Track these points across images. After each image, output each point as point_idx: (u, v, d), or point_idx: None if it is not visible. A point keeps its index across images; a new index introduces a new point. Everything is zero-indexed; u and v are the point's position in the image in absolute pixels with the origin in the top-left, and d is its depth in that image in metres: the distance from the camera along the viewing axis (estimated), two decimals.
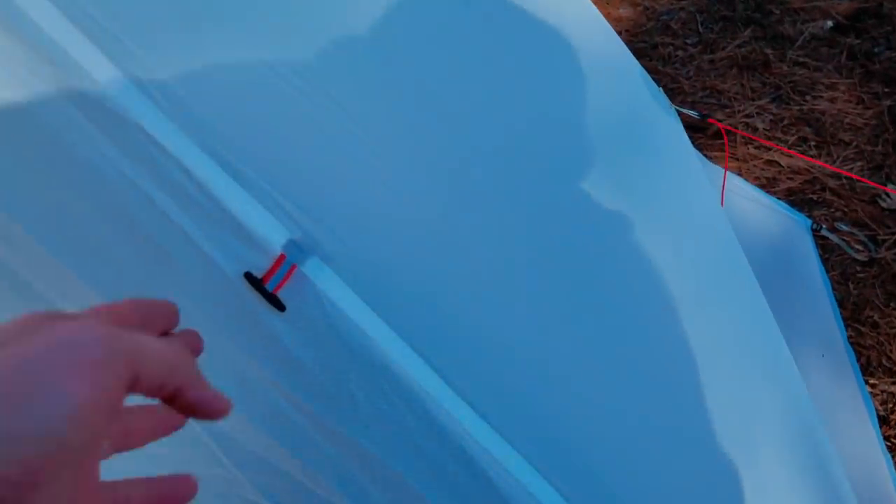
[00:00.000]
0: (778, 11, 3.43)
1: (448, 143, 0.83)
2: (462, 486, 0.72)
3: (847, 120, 2.86)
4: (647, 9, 3.48)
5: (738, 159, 2.70)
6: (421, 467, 0.73)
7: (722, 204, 1.71)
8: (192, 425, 0.70)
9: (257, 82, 0.71)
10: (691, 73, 3.09)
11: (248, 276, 0.65)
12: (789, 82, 3.05)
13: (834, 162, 2.72)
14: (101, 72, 0.63)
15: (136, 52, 0.65)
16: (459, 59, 0.92)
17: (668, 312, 1.11)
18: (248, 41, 0.72)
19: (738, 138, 2.74)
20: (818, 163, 2.61)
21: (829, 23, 3.34)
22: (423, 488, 0.74)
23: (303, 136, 0.71)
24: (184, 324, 0.48)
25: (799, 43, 3.23)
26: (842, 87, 3.01)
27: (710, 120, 1.48)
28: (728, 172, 2.19)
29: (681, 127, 1.37)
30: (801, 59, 3.15)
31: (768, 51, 3.19)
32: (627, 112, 1.25)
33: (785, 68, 3.11)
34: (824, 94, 2.99)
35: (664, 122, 1.33)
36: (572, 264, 0.95)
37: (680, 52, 3.21)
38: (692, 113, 1.43)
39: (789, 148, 2.78)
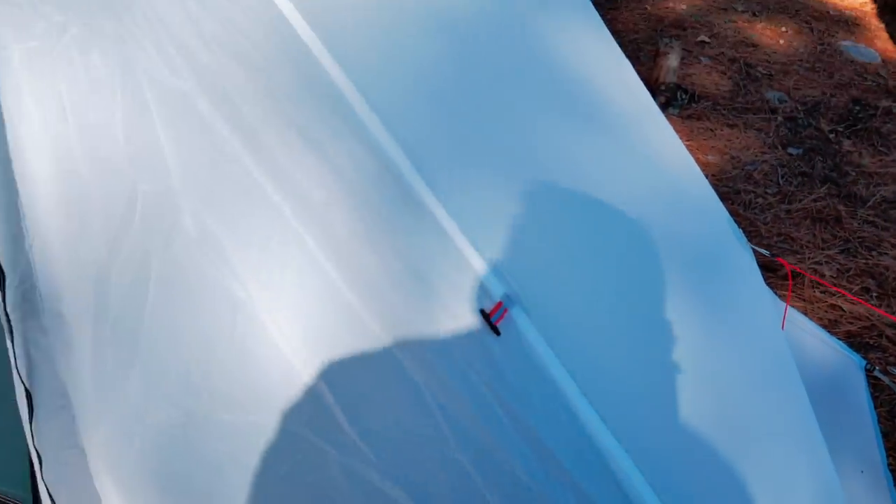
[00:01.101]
0: (854, 173, 3.86)
1: (603, 244, 1.28)
2: None
3: None
4: (734, 158, 3.94)
5: (804, 300, 3.08)
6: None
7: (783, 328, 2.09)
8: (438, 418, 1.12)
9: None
10: (768, 220, 3.51)
11: (482, 312, 1.09)
12: (858, 237, 3.43)
13: (893, 312, 3.07)
14: None
15: None
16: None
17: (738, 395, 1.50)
18: None
19: (807, 282, 3.12)
20: (879, 311, 2.96)
21: None
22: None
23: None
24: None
25: (870, 203, 3.63)
26: None
27: (778, 259, 1.89)
28: (792, 309, 2.58)
29: (755, 262, 1.79)
30: (870, 219, 3.55)
31: (841, 207, 3.60)
32: (714, 243, 1.68)
33: (855, 225, 3.51)
34: (889, 252, 3.37)
35: (741, 256, 1.76)
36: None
37: (760, 200, 3.64)
38: (764, 252, 1.84)
39: (853, 295, 3.15)
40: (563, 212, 1.29)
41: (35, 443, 1.43)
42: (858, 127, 4.24)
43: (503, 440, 1.12)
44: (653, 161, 1.65)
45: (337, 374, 1.18)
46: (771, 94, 4.53)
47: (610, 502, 1.15)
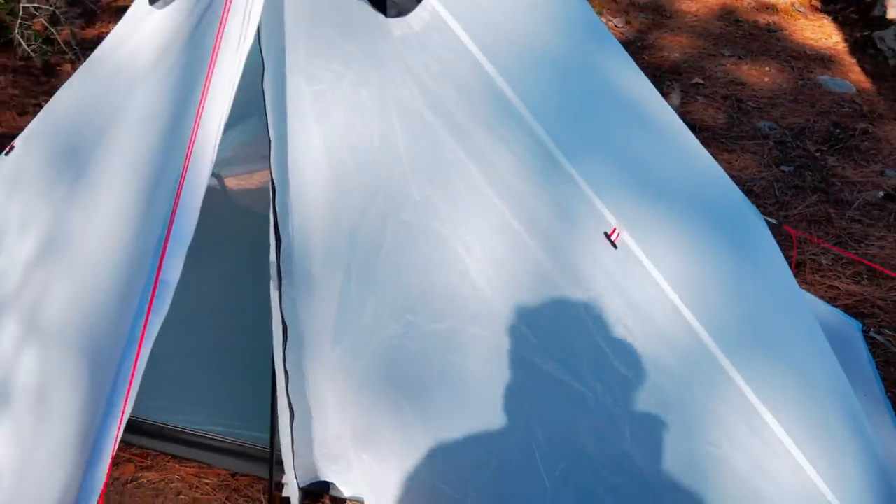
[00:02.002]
0: (839, 183, 4.59)
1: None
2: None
3: (893, 262, 3.91)
4: (735, 177, 4.66)
5: (806, 283, 3.76)
6: None
7: None
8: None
9: None
10: (770, 225, 4.22)
11: (605, 234, 1.78)
12: (847, 233, 4.14)
13: (882, 290, 3.75)
14: None
15: None
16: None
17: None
18: None
19: (808, 267, 3.81)
20: (870, 288, 3.64)
21: (881, 193, 4.47)
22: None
23: None
24: None
25: (855, 206, 4.35)
26: (889, 239, 4.08)
27: (785, 227, 2.59)
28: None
29: (766, 226, 2.49)
30: (857, 218, 4.26)
31: (831, 210, 4.32)
32: (739, 210, 2.38)
33: (844, 224, 4.22)
34: (875, 244, 4.06)
35: (758, 220, 2.45)
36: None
37: (761, 209, 4.34)
38: (773, 220, 2.55)
39: (846, 279, 3.83)
40: (644, 178, 1.99)
41: (284, 364, 2.09)
42: (840, 146, 4.99)
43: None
44: (691, 155, 2.36)
45: (510, 287, 1.86)
46: (762, 124, 5.30)
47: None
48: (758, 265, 2.28)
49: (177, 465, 2.67)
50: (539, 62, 1.99)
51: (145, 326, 1.47)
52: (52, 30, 5.10)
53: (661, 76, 5.83)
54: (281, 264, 1.99)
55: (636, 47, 6.26)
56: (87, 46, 5.48)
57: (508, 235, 1.81)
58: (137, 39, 1.90)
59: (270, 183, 1.87)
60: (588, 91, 2.16)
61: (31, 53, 4.88)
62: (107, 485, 1.52)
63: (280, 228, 1.94)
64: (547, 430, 1.97)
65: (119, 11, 6.13)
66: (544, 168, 1.79)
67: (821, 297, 3.65)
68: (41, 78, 5.16)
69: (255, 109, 1.94)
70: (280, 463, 2.35)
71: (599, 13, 6.51)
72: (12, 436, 1.79)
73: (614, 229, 1.78)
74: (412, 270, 1.88)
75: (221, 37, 1.66)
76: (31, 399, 1.78)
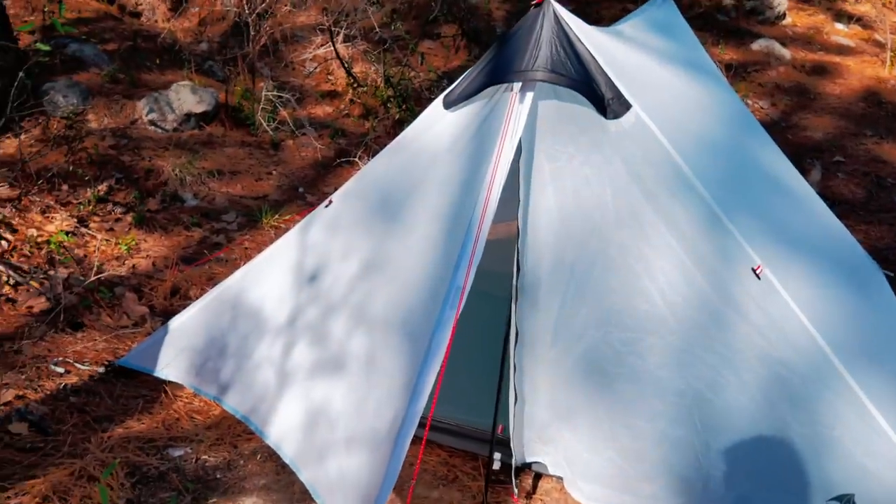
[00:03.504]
0: None
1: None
2: None
3: None
4: (871, 246, 5.32)
5: None
6: None
7: None
8: None
9: None
10: None
11: (752, 269, 2.62)
12: None
13: None
14: None
15: None
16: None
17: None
18: None
19: None
20: None
21: None
22: None
23: None
24: None
25: None
26: None
27: None
28: None
29: (884, 277, 3.25)
30: None
31: None
32: (861, 263, 3.15)
33: None
34: None
35: (877, 272, 3.22)
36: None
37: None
38: (890, 273, 3.31)
39: None
40: (782, 231, 2.83)
41: (514, 361, 2.99)
42: None
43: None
44: (821, 218, 3.18)
45: (682, 307, 2.71)
46: None
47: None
48: (873, 302, 3.05)
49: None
50: (707, 147, 2.90)
51: (458, 312, 2.44)
52: (279, 111, 6.39)
53: (804, 154, 6.54)
54: (519, 286, 2.92)
55: (781, 127, 7.01)
56: (301, 125, 6.77)
57: (682, 269, 2.69)
58: (435, 132, 2.92)
59: (517, 229, 2.82)
60: (740, 167, 3.04)
61: (270, 132, 6.16)
62: (431, 417, 2.44)
63: (521, 260, 2.88)
64: (703, 413, 2.78)
65: (323, 96, 7.45)
66: (709, 221, 2.67)
67: None
68: (270, 151, 6.44)
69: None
70: (498, 443, 3.23)
71: (746, 97, 7.32)
72: (349, 388, 2.77)
73: (759, 266, 2.63)
74: (612, 293, 2.78)
75: (507, 128, 2.65)
76: (362, 364, 2.76)
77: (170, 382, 3.64)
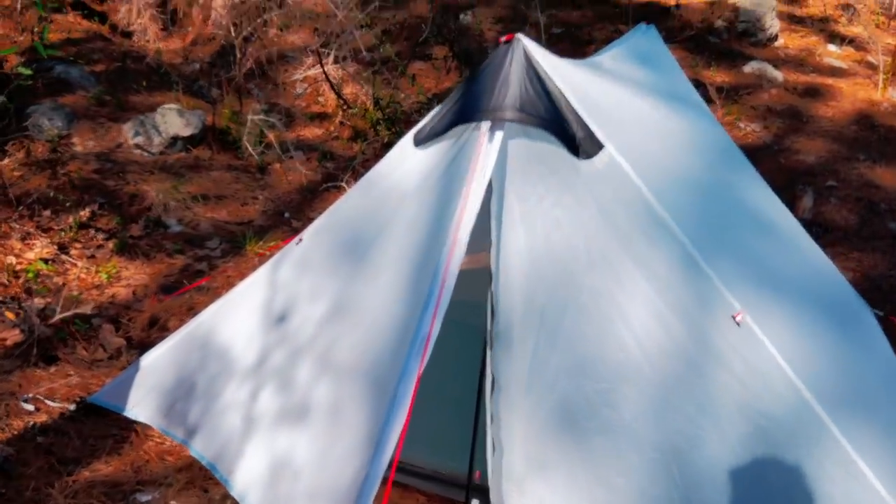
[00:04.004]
0: None
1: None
2: None
3: None
4: (864, 275, 5.19)
5: None
6: None
7: None
8: None
9: None
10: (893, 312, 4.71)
11: (732, 316, 2.50)
12: None
13: None
14: None
15: None
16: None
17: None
18: None
19: None
20: None
21: None
22: None
23: None
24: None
25: None
26: None
27: (891, 318, 3.20)
28: None
29: (873, 316, 3.13)
30: None
31: None
32: (850, 300, 3.03)
33: None
34: None
35: (866, 311, 3.10)
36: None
37: (887, 306, 4.85)
38: (879, 312, 3.18)
39: None
40: (764, 273, 2.71)
41: (491, 409, 2.86)
42: None
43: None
44: (807, 256, 3.06)
45: (658, 356, 2.59)
46: (893, 225, 5.79)
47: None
48: (861, 346, 2.93)
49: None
50: (686, 185, 2.79)
51: (422, 363, 2.32)
52: (266, 135, 6.28)
53: (796, 178, 6.42)
54: (494, 331, 2.80)
55: (773, 151, 6.90)
56: (289, 147, 6.66)
57: (658, 316, 2.57)
58: (404, 170, 2.80)
59: (490, 273, 2.70)
60: (721, 205, 2.93)
61: (256, 156, 6.06)
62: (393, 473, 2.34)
63: (494, 304, 2.75)
64: (682, 468, 2.65)
65: (313, 117, 7.35)
66: (686, 265, 2.55)
67: None
68: (256, 175, 6.33)
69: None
70: (477, 489, 3.10)
71: (738, 119, 7.21)
72: (313, 438, 2.65)
73: (739, 312, 2.50)
74: (584, 340, 2.65)
75: (475, 169, 2.54)
76: (326, 413, 2.64)
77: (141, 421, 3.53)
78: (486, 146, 2.55)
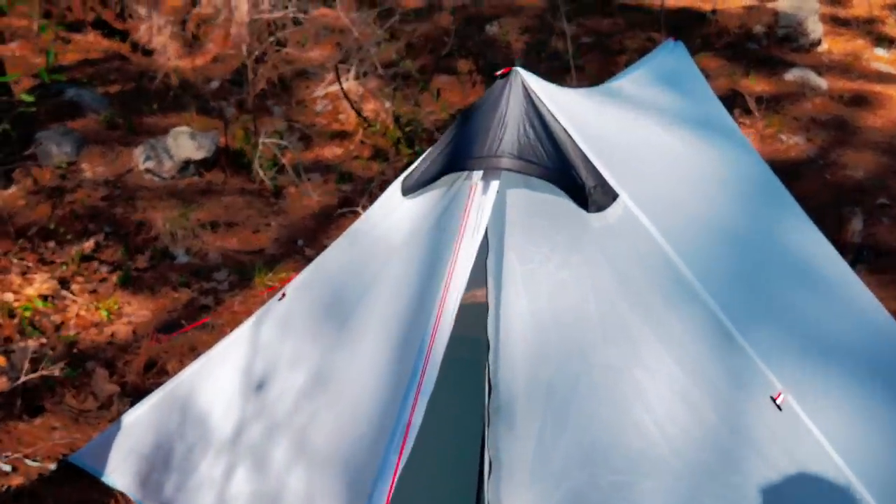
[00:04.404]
0: None
1: None
2: None
3: None
4: None
5: None
6: None
7: None
8: None
9: None
10: None
11: (771, 397, 2.09)
12: None
13: None
14: None
15: None
16: None
17: None
18: None
19: None
20: None
21: None
22: None
23: None
24: None
25: None
26: None
27: None
28: None
29: None
30: None
31: None
32: None
33: None
34: None
35: None
36: None
37: None
38: None
39: None
40: (810, 339, 2.28)
41: (489, 495, 2.47)
42: None
43: None
44: (859, 309, 2.62)
45: (685, 445, 2.18)
46: None
47: None
48: None
49: None
50: (716, 235, 2.37)
51: (398, 463, 1.95)
52: (280, 157, 5.97)
53: (843, 196, 5.92)
54: (492, 407, 2.42)
55: (818, 165, 6.39)
56: (308, 169, 6.35)
57: (684, 397, 2.16)
58: (392, 221, 2.44)
59: (486, 340, 2.32)
60: (759, 255, 2.50)
61: (268, 181, 5.74)
62: None
63: (491, 377, 2.37)
64: None
65: (333, 136, 7.02)
66: (716, 336, 2.14)
67: None
68: (271, 199, 6.02)
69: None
70: None
71: (780, 131, 6.72)
72: None
73: (780, 393, 2.09)
74: (599, 425, 2.25)
75: (465, 226, 2.16)
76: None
77: None
78: (478, 200, 2.16)
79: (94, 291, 4.86)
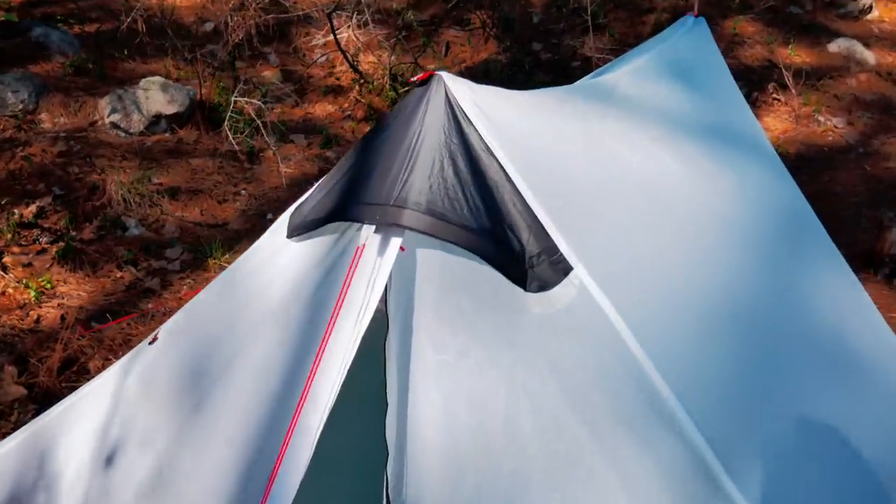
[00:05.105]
0: None
1: None
2: None
3: None
4: None
5: None
6: None
7: None
8: None
9: None
10: None
11: None
12: None
13: None
14: None
15: None
16: None
17: None
18: None
19: None
20: None
21: None
22: None
23: None
24: None
25: None
26: None
27: None
28: None
29: None
30: None
31: None
32: None
33: None
34: None
35: None
36: None
37: None
38: None
39: None
40: (834, 481, 1.58)
41: None
42: None
43: None
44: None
45: None
46: None
47: None
48: None
49: None
50: (711, 322, 1.64)
51: None
52: (258, 120, 5.25)
53: (882, 193, 5.10)
54: None
55: (857, 154, 5.55)
56: (294, 129, 5.65)
57: None
58: (276, 269, 1.74)
59: (384, 447, 1.64)
60: (772, 343, 1.77)
61: (236, 144, 5.04)
62: None
63: (391, 494, 1.69)
64: None
65: (327, 91, 6.25)
66: (696, 482, 1.44)
67: None
68: (245, 164, 5.32)
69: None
70: None
71: (817, 111, 5.86)
72: None
73: None
74: None
75: (341, 303, 1.46)
76: None
77: None
78: (367, 266, 1.46)
79: (28, 265, 4.24)
